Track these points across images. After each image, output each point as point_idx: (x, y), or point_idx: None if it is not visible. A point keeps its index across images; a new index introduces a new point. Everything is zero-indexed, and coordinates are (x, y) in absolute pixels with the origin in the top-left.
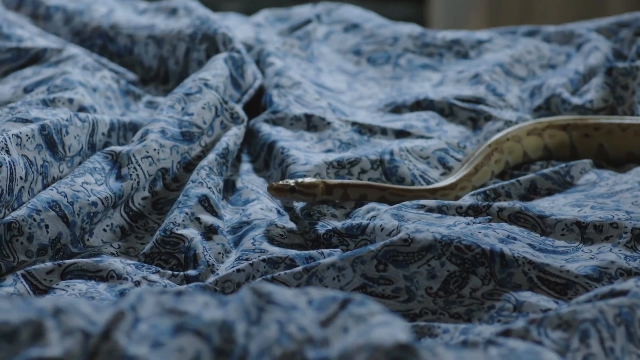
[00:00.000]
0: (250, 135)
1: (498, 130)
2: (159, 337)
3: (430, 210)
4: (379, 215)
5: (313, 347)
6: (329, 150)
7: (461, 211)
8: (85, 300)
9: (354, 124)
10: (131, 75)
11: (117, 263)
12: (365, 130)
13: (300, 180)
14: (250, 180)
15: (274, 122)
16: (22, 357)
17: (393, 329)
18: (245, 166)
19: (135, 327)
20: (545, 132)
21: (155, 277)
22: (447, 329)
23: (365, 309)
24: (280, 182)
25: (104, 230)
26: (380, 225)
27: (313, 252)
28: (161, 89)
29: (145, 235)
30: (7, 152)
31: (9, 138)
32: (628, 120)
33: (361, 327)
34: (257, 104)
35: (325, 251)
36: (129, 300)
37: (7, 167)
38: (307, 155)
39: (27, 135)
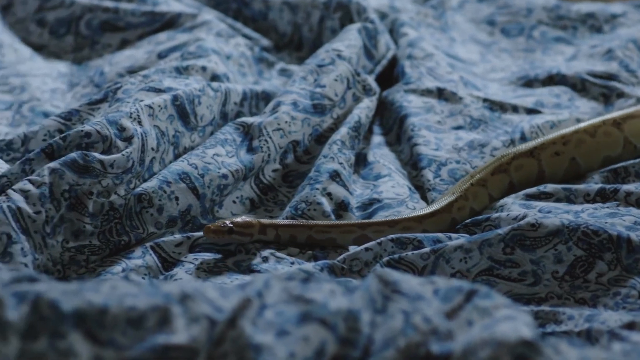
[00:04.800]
0: (383, 107)
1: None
2: (284, 325)
3: (558, 200)
4: (506, 206)
5: (437, 340)
6: (459, 127)
7: (589, 198)
8: (212, 284)
9: (485, 100)
10: (265, 42)
11: None
12: (496, 107)
13: (236, 220)
14: (382, 155)
15: (406, 93)
16: (148, 344)
17: (517, 324)
18: (377, 139)
19: (261, 314)
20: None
21: (283, 253)
22: (571, 316)
23: (490, 302)
24: (218, 223)
25: (234, 202)
26: (507, 214)
27: (440, 235)
28: (294, 56)
29: (275, 209)
30: (140, 123)
31: (142, 109)
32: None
33: (486, 320)
34: (390, 74)
35: (453, 235)
36: (255, 287)
37: (138, 138)
38: (437, 137)
39: (159, 106)
